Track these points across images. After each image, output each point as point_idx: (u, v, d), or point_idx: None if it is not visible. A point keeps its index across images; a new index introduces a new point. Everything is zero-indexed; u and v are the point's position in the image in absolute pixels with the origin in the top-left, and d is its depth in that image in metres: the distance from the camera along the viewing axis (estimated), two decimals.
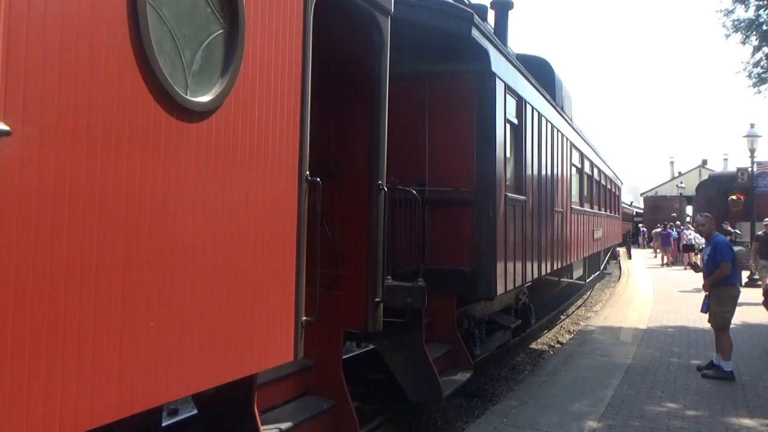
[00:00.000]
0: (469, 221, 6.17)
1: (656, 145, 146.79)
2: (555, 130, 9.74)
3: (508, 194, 6.70)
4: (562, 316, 12.90)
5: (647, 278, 19.81)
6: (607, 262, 22.56)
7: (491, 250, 6.17)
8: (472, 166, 6.17)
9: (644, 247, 36.66)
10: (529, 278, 7.70)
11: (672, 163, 69.53)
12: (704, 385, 6.76)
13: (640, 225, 42.84)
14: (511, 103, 7.18)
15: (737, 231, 18.45)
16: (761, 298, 9.54)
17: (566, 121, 11.05)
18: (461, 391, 7.01)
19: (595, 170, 15.45)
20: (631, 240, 34.40)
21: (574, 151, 11.85)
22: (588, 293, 17.07)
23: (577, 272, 13.21)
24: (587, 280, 15.30)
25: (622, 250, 27.12)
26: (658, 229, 30.84)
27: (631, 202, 48.33)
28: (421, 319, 5.56)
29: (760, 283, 15.30)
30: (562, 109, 10.61)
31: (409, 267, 5.66)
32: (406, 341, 5.56)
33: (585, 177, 13.52)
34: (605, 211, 17.41)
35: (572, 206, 11.08)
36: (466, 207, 6.17)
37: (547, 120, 8.98)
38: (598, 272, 18.41)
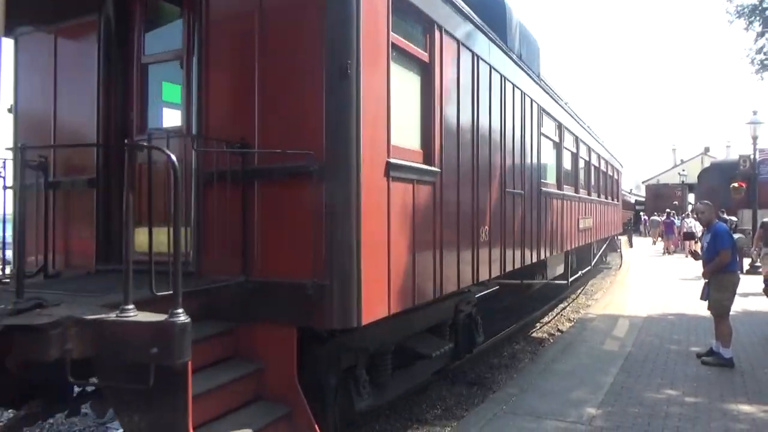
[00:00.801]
0: (315, 204, 3.92)
1: (658, 133, 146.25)
2: (510, 86, 7.29)
3: (396, 161, 4.40)
4: (562, 304, 12.90)
5: (648, 266, 19.82)
6: (604, 255, 20.41)
7: (349, 249, 3.89)
8: (318, 116, 3.92)
9: (646, 236, 36.68)
10: (454, 286, 5.57)
11: (674, 150, 69.25)
12: (703, 372, 6.78)
13: (641, 213, 42.82)
14: (406, 23, 4.84)
15: (733, 218, 18.41)
16: (762, 286, 9.57)
17: (531, 78, 8.45)
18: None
19: (583, 147, 12.92)
20: (632, 229, 34.43)
21: (546, 119, 9.39)
22: (578, 292, 14.61)
23: (555, 270, 10.82)
24: (570, 279, 12.42)
25: (623, 239, 27.13)
26: (656, 217, 30.99)
27: (630, 190, 48.22)
28: (183, 382, 3.11)
29: (761, 270, 15.32)
30: (520, 58, 7.91)
31: (223, 277, 4.05)
32: (163, 420, 3.16)
33: (566, 154, 11.17)
34: (598, 196, 15.10)
35: (542, 188, 8.85)
36: (309, 181, 3.91)
37: (491, 68, 6.61)
38: (588, 268, 15.81)
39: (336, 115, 3.94)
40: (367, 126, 4.04)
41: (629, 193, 42.40)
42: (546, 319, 11.35)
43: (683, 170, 45.34)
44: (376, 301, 4.17)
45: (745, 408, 5.53)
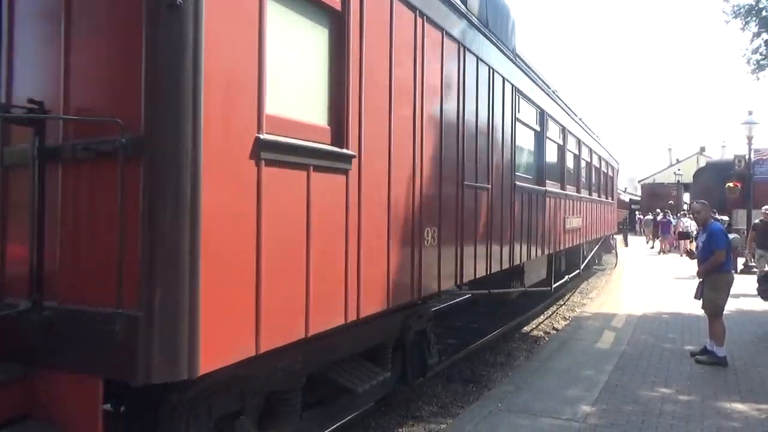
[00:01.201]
0: (126, 196, 2.66)
1: (654, 132, 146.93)
2: (472, 59, 6.04)
3: (273, 138, 3.17)
4: (559, 302, 12.95)
5: (643, 265, 19.91)
6: (597, 257, 19.06)
7: (177, 264, 2.66)
8: (135, 68, 2.69)
9: (641, 235, 36.89)
10: (379, 304, 4.27)
11: (670, 150, 69.53)
12: (697, 370, 6.83)
13: (637, 212, 43.07)
14: None
15: (724, 218, 18.51)
16: (755, 286, 9.65)
17: (503, 52, 7.09)
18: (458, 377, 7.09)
19: (572, 140, 11.51)
20: (627, 228, 34.62)
21: (524, 104, 8.15)
22: (567, 297, 13.86)
23: (535, 276, 9.41)
24: (555, 285, 10.85)
25: (619, 238, 27.26)
26: (650, 217, 31.25)
27: (625, 188, 48.41)
28: None
29: (755, 270, 15.43)
30: (486, 26, 6.53)
31: (17, 299, 2.95)
32: None
33: (551, 146, 9.86)
34: (590, 194, 13.79)
35: (518, 183, 7.54)
36: (116, 162, 2.68)
37: (445, 33, 5.33)
38: (577, 272, 14.06)
39: (159, 66, 2.67)
40: (216, 84, 2.81)
41: (623, 192, 42.54)
42: (541, 317, 11.40)
43: (679, 170, 45.57)
44: (230, 338, 2.92)
45: (738, 406, 5.58)
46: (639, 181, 59.10)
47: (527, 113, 8.42)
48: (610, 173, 18.09)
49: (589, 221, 13.60)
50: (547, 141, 9.47)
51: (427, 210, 5.01)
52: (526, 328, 10.31)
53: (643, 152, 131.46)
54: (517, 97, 7.71)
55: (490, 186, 6.54)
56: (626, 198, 42.46)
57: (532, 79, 8.61)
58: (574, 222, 11.48)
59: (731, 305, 8.55)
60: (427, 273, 5.03)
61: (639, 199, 48.17)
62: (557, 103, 10.36)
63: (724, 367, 6.87)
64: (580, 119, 13.18)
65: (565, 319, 11.13)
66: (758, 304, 10.38)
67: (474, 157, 6.14)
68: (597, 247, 17.57)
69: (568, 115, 11.46)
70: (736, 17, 15.19)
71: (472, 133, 6.09)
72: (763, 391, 6.05)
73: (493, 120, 6.76)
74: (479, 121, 6.29)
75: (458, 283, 5.85)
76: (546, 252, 9.36)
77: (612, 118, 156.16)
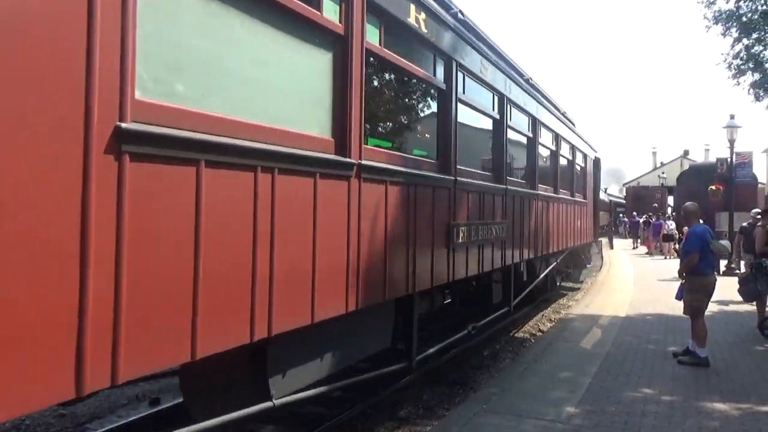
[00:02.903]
0: None
1: (639, 135, 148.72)
2: None
3: None
4: (543, 305, 13.00)
5: (628, 267, 20.09)
6: (564, 274, 14.11)
7: None
8: None
9: (625, 237, 37.26)
10: None
11: (654, 153, 70.37)
12: (680, 371, 6.91)
13: (622, 215, 43.49)
14: None
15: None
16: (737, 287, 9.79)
17: None
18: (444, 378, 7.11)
19: (486, 94, 7.19)
20: (613, 231, 34.97)
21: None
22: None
23: (333, 358, 4.44)
24: (419, 357, 5.84)
25: (604, 240, 27.47)
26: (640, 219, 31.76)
27: (606, 189, 48.75)
28: None
29: (738, 272, 15.61)
30: None
31: None
32: None
33: (411, 86, 5.70)
34: (531, 187, 9.01)
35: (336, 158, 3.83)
36: None
37: None
38: (504, 310, 8.55)
39: None
40: None
41: (604, 192, 42.78)
42: (527, 320, 11.44)
43: (663, 173, 46.11)
44: None
45: (719, 406, 5.65)
46: (624, 184, 59.76)
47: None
48: (583, 165, 13.82)
49: (535, 228, 9.22)
50: (413, 83, 5.43)
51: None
52: (512, 331, 10.34)
53: (629, 154, 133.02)
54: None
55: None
56: (607, 199, 42.74)
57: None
58: (485, 231, 6.91)
59: (714, 306, 8.67)
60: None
61: (624, 201, 48.65)
62: (450, 27, 5.75)
63: (706, 368, 6.96)
64: (524, 76, 9.11)
65: (550, 321, 11.19)
66: (741, 306, 10.52)
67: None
68: (558, 263, 12.19)
69: (480, 52, 6.72)
70: (717, 23, 15.40)
71: None
72: (744, 391, 6.14)
73: None
74: None
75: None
76: (387, 296, 4.73)
77: (598, 121, 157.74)
